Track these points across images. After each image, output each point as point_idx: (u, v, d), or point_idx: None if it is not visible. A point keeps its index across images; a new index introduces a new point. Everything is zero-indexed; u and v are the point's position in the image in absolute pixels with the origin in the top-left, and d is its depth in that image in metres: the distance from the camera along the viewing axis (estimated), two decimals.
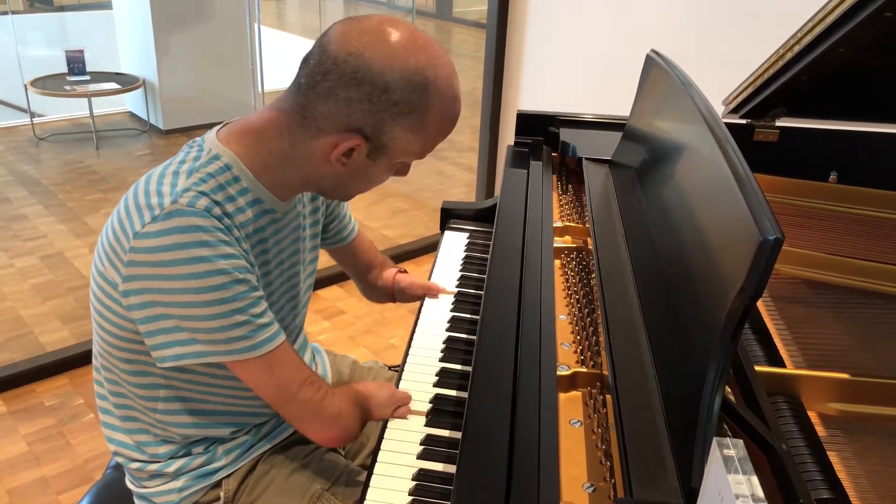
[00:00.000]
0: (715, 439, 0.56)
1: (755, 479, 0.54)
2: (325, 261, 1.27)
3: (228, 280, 0.92)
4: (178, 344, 0.94)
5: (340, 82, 0.91)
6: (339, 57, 0.91)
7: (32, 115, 4.75)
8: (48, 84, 4.54)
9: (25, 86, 4.51)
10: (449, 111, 0.97)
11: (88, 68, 4.68)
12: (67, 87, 4.50)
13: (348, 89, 0.91)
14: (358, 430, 1.08)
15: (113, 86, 4.62)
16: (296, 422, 1.05)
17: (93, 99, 4.55)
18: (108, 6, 5.15)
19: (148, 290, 0.92)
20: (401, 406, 1.09)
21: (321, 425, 1.04)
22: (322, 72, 0.92)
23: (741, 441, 0.56)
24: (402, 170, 1.05)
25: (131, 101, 5.14)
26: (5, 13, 5.26)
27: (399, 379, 1.15)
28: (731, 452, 0.55)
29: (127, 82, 4.73)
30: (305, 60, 0.95)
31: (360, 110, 0.92)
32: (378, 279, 1.45)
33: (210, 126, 1.04)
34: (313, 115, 0.94)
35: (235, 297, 0.93)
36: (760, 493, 0.53)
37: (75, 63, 4.62)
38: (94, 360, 1.11)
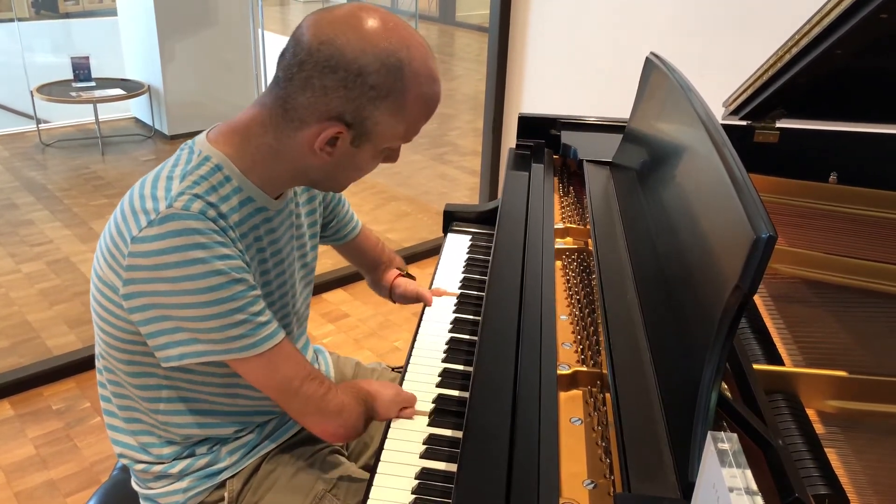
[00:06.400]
0: (709, 433, 0.57)
1: (749, 473, 0.55)
2: (330, 264, 1.29)
3: (226, 280, 0.93)
4: (181, 344, 0.96)
5: (315, 71, 0.92)
6: (311, 46, 0.92)
7: (38, 121, 4.78)
8: (54, 90, 4.57)
9: (31, 92, 4.54)
10: (428, 91, 0.98)
11: (94, 74, 4.71)
12: (73, 94, 4.53)
13: (323, 77, 0.92)
14: (361, 427, 1.09)
15: (118, 92, 4.65)
16: (299, 416, 1.06)
17: (98, 105, 4.59)
18: (113, 13, 5.19)
19: (147, 293, 0.94)
20: (406, 407, 1.10)
21: (323, 419, 1.05)
22: (297, 63, 0.93)
23: (735, 435, 0.57)
24: (391, 156, 1.05)
25: (136, 107, 5.17)
26: (11, 20, 5.31)
27: (402, 379, 1.17)
28: (726, 446, 0.56)
29: (132, 88, 4.76)
30: (282, 55, 0.96)
31: (337, 97, 0.93)
32: (381, 278, 1.47)
33: None
34: (293, 106, 0.95)
35: (234, 297, 0.94)
36: (754, 486, 0.54)
37: (81, 69, 4.65)
38: (97, 363, 1.12)
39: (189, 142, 1.03)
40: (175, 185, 0.95)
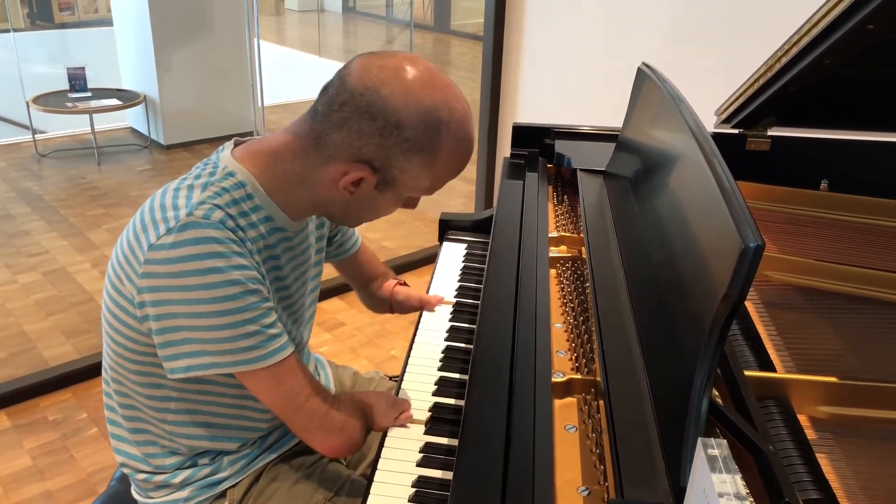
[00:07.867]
0: (700, 439, 0.58)
1: (739, 478, 0.56)
2: (326, 273, 1.29)
3: (240, 290, 0.94)
4: (188, 356, 0.96)
5: (355, 114, 0.94)
6: (356, 90, 0.93)
7: (34, 131, 4.78)
8: (50, 101, 4.58)
9: (27, 103, 4.55)
10: (460, 151, 1.00)
11: (90, 85, 4.72)
12: (69, 104, 4.54)
13: (361, 122, 0.94)
14: (362, 441, 1.10)
15: (114, 102, 4.66)
16: (301, 432, 1.07)
17: (94, 115, 4.59)
18: (109, 23, 5.21)
19: (162, 301, 0.94)
20: (402, 413, 1.11)
21: (326, 436, 1.06)
22: (339, 102, 0.95)
23: (724, 441, 0.58)
24: (410, 203, 1.07)
25: (132, 117, 5.18)
26: (7, 31, 5.32)
27: (398, 388, 1.17)
28: (715, 452, 0.57)
29: (128, 98, 4.77)
30: (325, 89, 0.98)
31: (371, 143, 0.95)
32: (378, 290, 1.47)
33: (210, 141, 1.07)
34: (326, 143, 0.96)
35: (247, 308, 0.95)
36: (743, 491, 0.55)
37: (77, 80, 4.66)
38: (103, 374, 1.13)
39: (211, 157, 1.04)
40: (196, 193, 0.96)
